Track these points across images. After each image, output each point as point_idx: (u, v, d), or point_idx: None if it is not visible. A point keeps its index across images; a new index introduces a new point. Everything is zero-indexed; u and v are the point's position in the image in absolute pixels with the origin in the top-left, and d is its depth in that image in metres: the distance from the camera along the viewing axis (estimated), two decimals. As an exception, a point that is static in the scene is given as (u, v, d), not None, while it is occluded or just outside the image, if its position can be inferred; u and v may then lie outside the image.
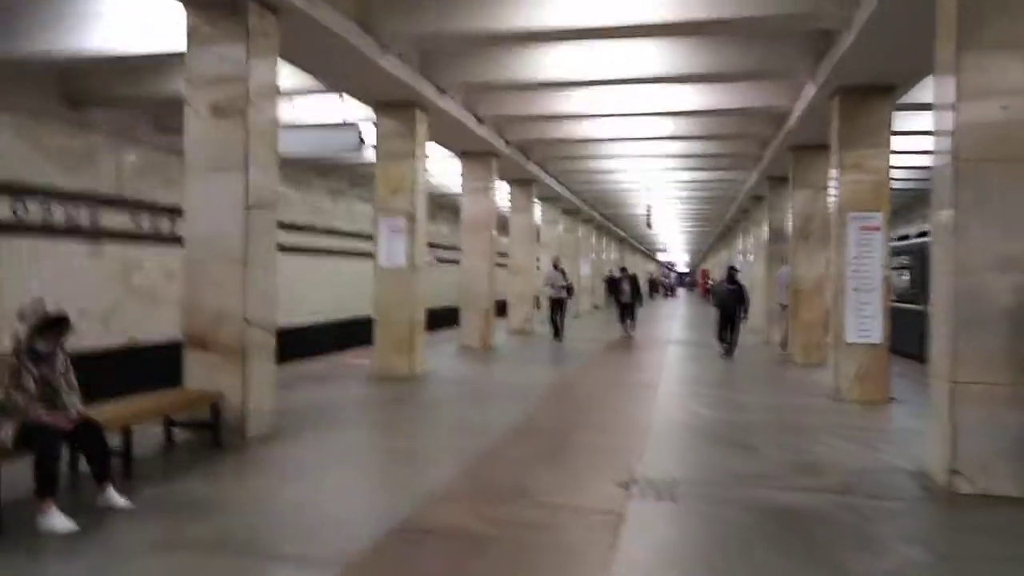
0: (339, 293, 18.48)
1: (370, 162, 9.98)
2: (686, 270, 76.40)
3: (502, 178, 16.70)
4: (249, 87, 6.04)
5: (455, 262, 15.57)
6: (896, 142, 9.06)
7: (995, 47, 4.74)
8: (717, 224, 32.10)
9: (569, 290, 15.62)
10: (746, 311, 13.15)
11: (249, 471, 5.29)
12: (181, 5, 6.14)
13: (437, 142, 12.94)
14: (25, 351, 4.06)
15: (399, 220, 9.78)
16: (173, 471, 5.13)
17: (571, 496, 4.65)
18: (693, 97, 10.46)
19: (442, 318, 19.01)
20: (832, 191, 8.93)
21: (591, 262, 27.15)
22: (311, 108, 11.30)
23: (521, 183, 17.36)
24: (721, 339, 13.19)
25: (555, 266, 15.95)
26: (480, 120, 11.79)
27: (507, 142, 13.61)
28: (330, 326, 17.92)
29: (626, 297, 16.52)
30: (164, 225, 12.50)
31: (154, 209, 12.35)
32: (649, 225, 22.84)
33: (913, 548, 3.93)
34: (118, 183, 11.73)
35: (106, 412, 4.87)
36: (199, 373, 6.08)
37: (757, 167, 15.52)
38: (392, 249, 9.80)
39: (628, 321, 16.50)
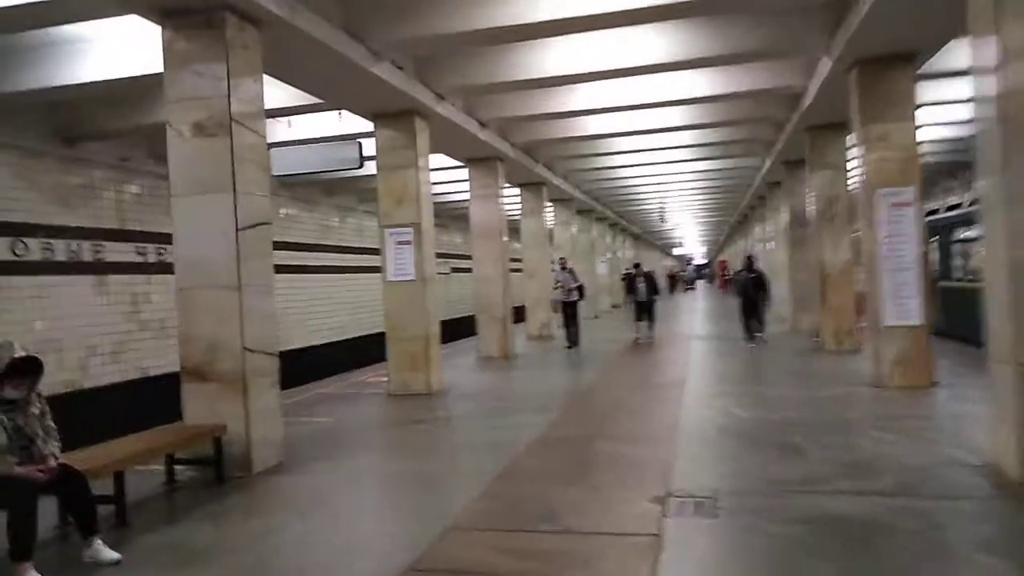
0: (355, 310, 18.22)
1: (374, 176, 9.68)
2: (703, 262, 75.53)
3: (510, 182, 16.35)
4: (232, 104, 5.72)
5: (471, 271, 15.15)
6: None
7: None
8: (732, 213, 31.49)
9: (581, 291, 14.35)
10: (768, 297, 13.43)
11: (254, 508, 4.94)
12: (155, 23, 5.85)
13: (441, 151, 12.65)
14: (-8, 399, 3.74)
15: (405, 232, 9.45)
16: (172, 514, 4.80)
17: (602, 518, 4.25)
18: (701, 83, 10.02)
19: (464, 328, 18.70)
20: (857, 169, 8.45)
21: (607, 261, 26.69)
22: (309, 126, 11.04)
23: (530, 186, 16.98)
24: (747, 328, 13.42)
25: (563, 267, 14.72)
26: (483, 124, 11.44)
27: (512, 145, 13.25)
28: (348, 344, 17.65)
29: (642, 295, 15.17)
30: (170, 254, 12.26)
31: (159, 238, 12.13)
32: (663, 219, 22.31)
33: (996, 558, 3.47)
34: (119, 215, 11.51)
35: (96, 456, 4.54)
36: (199, 406, 5.75)
37: (772, 151, 15.02)
38: (399, 262, 9.46)
39: (646, 321, 15.13)
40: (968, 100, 8.04)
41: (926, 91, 10.85)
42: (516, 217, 17.58)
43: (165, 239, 13.02)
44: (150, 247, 11.88)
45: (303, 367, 15.19)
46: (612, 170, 17.73)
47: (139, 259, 11.67)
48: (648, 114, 11.93)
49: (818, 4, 7.68)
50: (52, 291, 10.24)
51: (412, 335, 9.38)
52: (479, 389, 9.73)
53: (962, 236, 12.17)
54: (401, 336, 9.43)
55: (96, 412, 10.32)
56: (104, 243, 11.16)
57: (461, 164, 13.68)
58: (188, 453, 5.56)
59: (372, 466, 5.86)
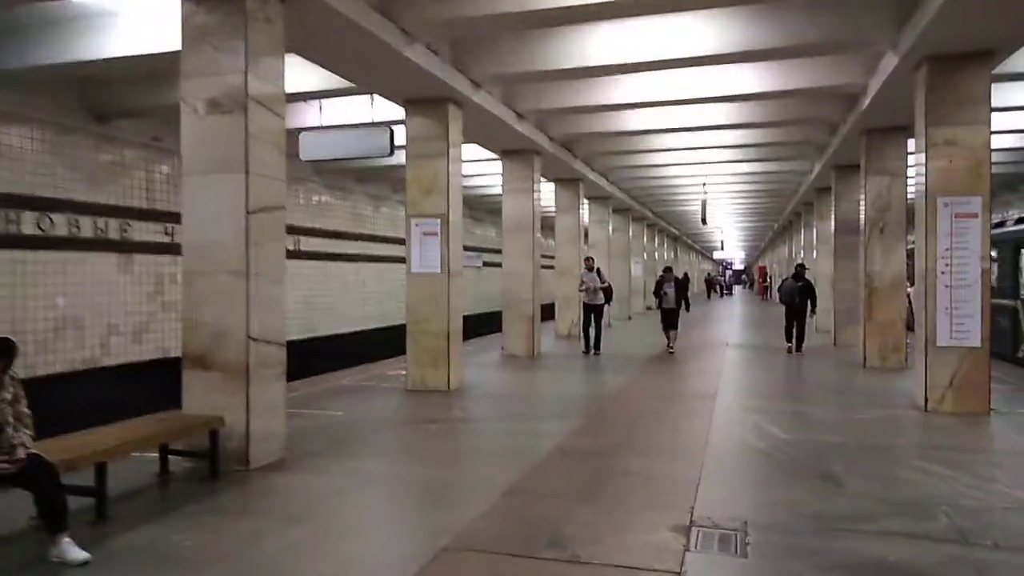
0: (383, 299, 18.03)
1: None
2: (741, 267, 74.02)
3: (546, 177, 15.93)
4: (249, 81, 5.42)
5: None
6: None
7: None
8: (776, 219, 30.56)
9: (608, 293, 13.03)
10: (814, 307, 13.39)
11: (244, 509, 4.64)
12: (174, -8, 5.58)
13: (475, 142, 12.31)
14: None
15: (432, 223, 9.10)
16: (157, 510, 4.51)
17: (616, 547, 3.83)
18: (752, 78, 9.46)
19: (491, 323, 18.35)
20: (918, 175, 7.83)
21: (642, 262, 26.06)
22: (341, 111, 10.77)
23: (566, 182, 16.52)
24: (788, 337, 13.48)
25: (589, 267, 13.10)
26: (520, 116, 11.04)
27: (550, 139, 12.82)
28: (373, 333, 17.48)
29: (669, 302, 13.36)
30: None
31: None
32: (704, 220, 21.60)
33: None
34: (148, 195, 11.41)
35: (75, 446, 4.26)
36: (198, 396, 5.49)
37: (823, 155, 14.31)
38: (425, 254, 9.12)
39: (672, 332, 13.41)
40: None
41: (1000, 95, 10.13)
42: (551, 213, 17.15)
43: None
44: (178, 228, 11.77)
45: (330, 355, 15.06)
46: (652, 168, 17.17)
47: (166, 240, 11.55)
48: (693, 110, 11.39)
49: (884, -5, 7.11)
50: (76, 268, 10.17)
51: (433, 330, 9.04)
52: (500, 389, 9.35)
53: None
54: (422, 330, 9.10)
55: (115, 391, 10.25)
56: (131, 222, 11.07)
57: (496, 156, 13.31)
58: (185, 444, 5.30)
59: (376, 469, 5.52)
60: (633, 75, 9.68)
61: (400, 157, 9.71)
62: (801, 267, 14.30)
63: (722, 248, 47.53)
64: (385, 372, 10.60)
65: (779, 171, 17.48)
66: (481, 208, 24.41)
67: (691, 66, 8.70)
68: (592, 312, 12.91)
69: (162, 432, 4.98)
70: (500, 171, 13.41)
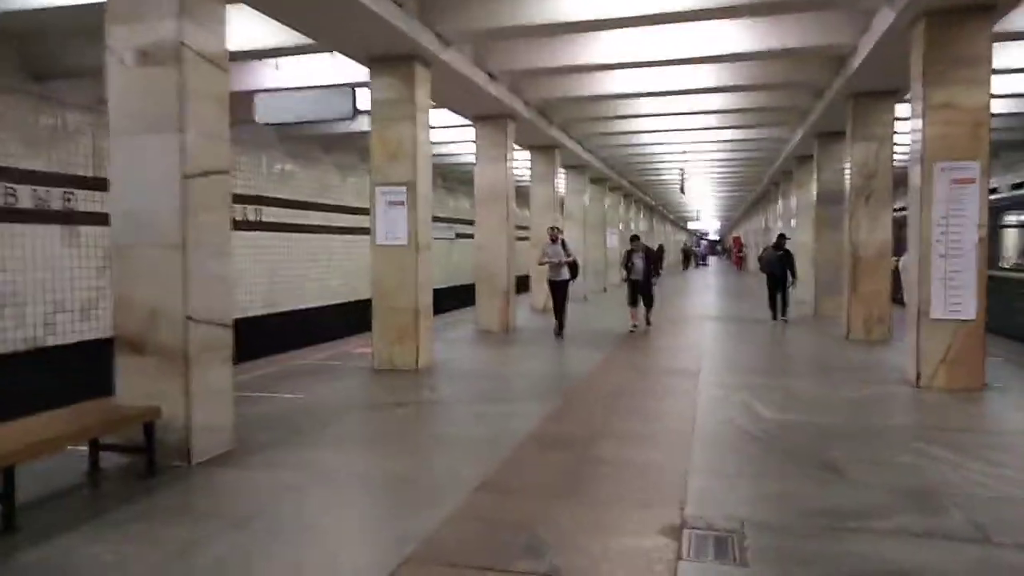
0: (351, 273, 17.39)
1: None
2: (716, 238, 74.20)
3: (521, 144, 15.32)
4: (184, 26, 4.76)
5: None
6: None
7: None
8: (753, 188, 30.26)
9: (573, 268, 11.44)
10: (794, 276, 13.46)
11: (180, 511, 4.11)
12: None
13: (447, 106, 11.66)
14: None
15: (399, 191, 8.51)
16: (79, 517, 3.95)
17: (600, 555, 3.38)
18: (737, 37, 8.92)
19: (464, 297, 17.86)
20: (914, 139, 7.40)
21: (619, 233, 25.63)
22: (301, 71, 10.02)
23: (542, 149, 15.93)
24: (772, 306, 13.59)
25: (553, 238, 11.55)
26: (493, 77, 10.40)
27: (525, 103, 12.20)
28: (341, 308, 16.87)
29: (637, 274, 12.15)
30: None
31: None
32: (682, 190, 21.21)
33: None
34: (96, 162, 10.62)
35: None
36: (134, 383, 4.91)
37: (805, 122, 13.87)
38: (391, 224, 8.54)
39: (641, 306, 12.27)
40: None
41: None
42: (526, 183, 16.57)
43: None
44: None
45: (296, 331, 14.45)
46: (631, 135, 16.61)
47: (115, 209, 10.79)
48: (674, 73, 10.85)
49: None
50: (14, 241, 9.42)
51: (401, 305, 8.50)
52: (472, 368, 8.85)
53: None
54: (388, 306, 8.55)
55: (61, 373, 9.59)
56: (76, 191, 10.30)
57: (470, 123, 12.67)
58: (120, 437, 4.74)
59: (334, 461, 5.01)
60: (611, 32, 9.13)
61: (368, 124, 9.05)
62: (782, 237, 14.21)
63: (698, 218, 47.37)
64: (351, 350, 10.06)
65: (759, 138, 17.05)
66: (454, 178, 23.71)
67: (672, 22, 8.14)
68: (555, 289, 11.55)
69: (87, 426, 4.40)
70: (474, 139, 12.77)
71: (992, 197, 12.35)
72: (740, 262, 42.09)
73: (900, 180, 11.30)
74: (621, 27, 8.40)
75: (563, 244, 11.52)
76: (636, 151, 19.23)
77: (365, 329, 10.69)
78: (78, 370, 9.58)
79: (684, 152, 18.66)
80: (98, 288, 10.60)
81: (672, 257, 47.45)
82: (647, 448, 5.20)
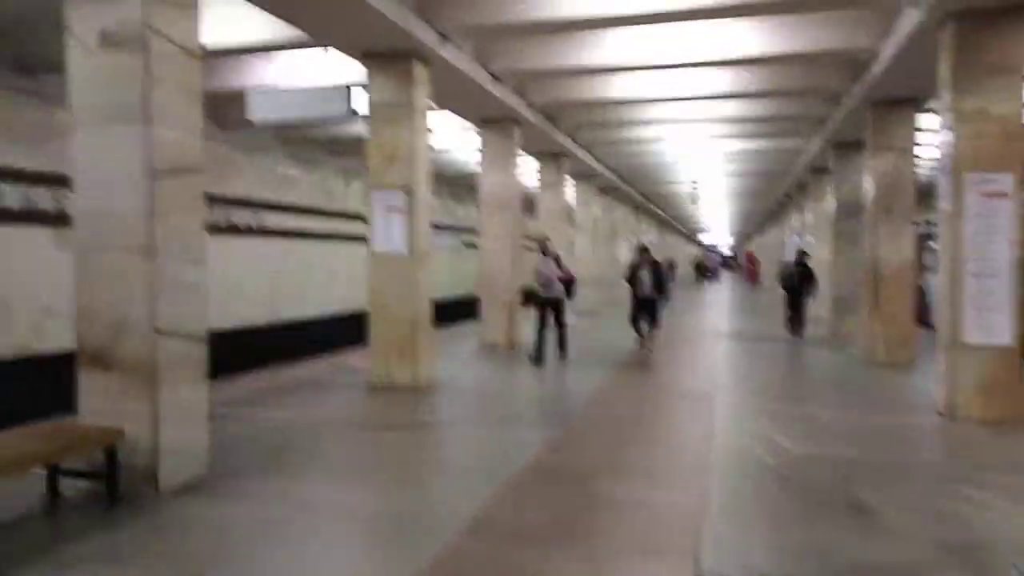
0: (355, 281, 16.98)
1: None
2: (728, 253, 73.57)
3: (527, 151, 14.91)
4: (150, 6, 4.34)
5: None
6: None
7: None
8: (767, 202, 29.72)
9: (569, 287, 9.90)
10: (813, 293, 13.32)
11: (140, 552, 3.65)
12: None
13: (449, 108, 11.25)
14: None
15: (396, 196, 8.08)
16: (24, 557, 3.51)
17: (603, 618, 2.91)
18: (752, 39, 8.48)
19: (470, 309, 17.44)
20: (942, 149, 6.92)
21: (630, 244, 25.16)
22: (294, 68, 9.64)
23: (549, 156, 15.51)
24: (789, 321, 13.49)
25: (544, 251, 9.95)
26: (496, 78, 9.98)
27: (530, 106, 11.77)
28: (345, 318, 16.47)
29: (646, 290, 10.90)
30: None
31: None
32: (694, 201, 20.70)
33: None
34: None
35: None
36: (97, 401, 4.48)
37: (821, 131, 13.39)
38: (389, 231, 8.10)
39: (646, 326, 11.01)
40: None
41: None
42: (533, 191, 16.16)
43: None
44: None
45: (297, 342, 14.04)
46: (641, 144, 16.17)
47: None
48: (687, 76, 10.42)
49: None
50: (1, 243, 9.06)
51: (399, 317, 8.05)
52: (473, 386, 8.38)
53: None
54: (386, 318, 8.10)
55: (52, 381, 9.19)
56: (69, 192, 9.91)
57: (476, 128, 12.26)
58: (81, 460, 4.30)
59: (316, 493, 4.55)
60: (619, 31, 8.70)
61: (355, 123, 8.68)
62: (802, 253, 14.06)
63: (710, 231, 46.82)
64: (350, 363, 9.61)
65: (773, 149, 16.56)
66: (461, 185, 23.30)
67: (684, 20, 7.73)
68: (547, 307, 9.83)
69: (41, 451, 3.97)
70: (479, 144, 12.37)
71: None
72: (753, 277, 41.47)
73: (922, 194, 10.83)
74: (630, 24, 7.94)
75: (556, 259, 9.92)
76: (646, 160, 18.79)
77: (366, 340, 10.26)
78: (71, 377, 9.18)
79: (694, 162, 18.20)
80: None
81: (683, 271, 46.97)
82: (658, 485, 4.72)
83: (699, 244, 62.43)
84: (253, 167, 14.26)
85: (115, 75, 4.37)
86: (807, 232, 18.60)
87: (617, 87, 10.85)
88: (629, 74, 10.45)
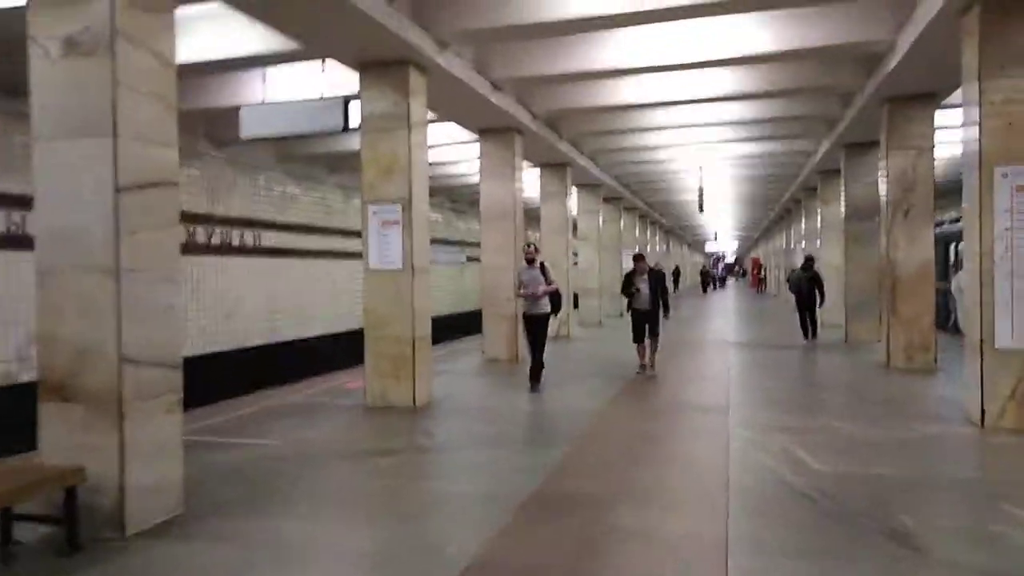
0: (356, 299, 16.64)
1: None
2: (732, 260, 73.07)
3: (531, 162, 14.60)
4: (117, 9, 4.03)
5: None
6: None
7: None
8: (773, 206, 29.30)
9: (555, 300, 8.72)
10: (823, 297, 13.32)
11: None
12: None
13: (449, 118, 10.97)
14: None
15: (392, 210, 7.74)
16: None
17: None
18: (760, 35, 8.15)
19: (475, 323, 17.08)
20: (968, 141, 6.54)
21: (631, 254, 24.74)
22: (290, 83, 9.37)
23: (553, 167, 15.18)
24: (803, 326, 13.44)
25: (529, 259, 8.71)
26: (496, 86, 9.67)
27: (533, 115, 11.46)
28: (347, 337, 16.11)
29: (642, 302, 9.57)
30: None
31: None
32: (701, 208, 20.32)
33: None
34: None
35: None
36: (58, 436, 4.11)
37: (832, 132, 13.01)
38: (384, 247, 7.76)
39: (648, 343, 9.66)
40: None
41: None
42: (537, 204, 15.81)
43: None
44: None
45: (297, 361, 13.69)
46: (645, 151, 15.83)
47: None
48: (692, 77, 10.09)
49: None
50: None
51: (395, 335, 7.69)
52: (474, 404, 7.98)
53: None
54: (382, 336, 7.75)
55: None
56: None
57: (477, 139, 11.94)
58: (39, 502, 3.93)
59: (300, 531, 4.16)
60: (622, 33, 8.40)
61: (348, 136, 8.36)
62: (810, 258, 14.01)
63: (715, 239, 46.41)
64: (346, 384, 9.23)
65: (781, 152, 16.19)
66: (464, 199, 23.01)
67: (689, 17, 7.38)
68: (532, 326, 8.68)
69: (5, 488, 3.60)
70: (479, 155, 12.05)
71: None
72: (759, 284, 40.98)
73: (940, 193, 10.43)
74: (633, 23, 7.61)
75: (543, 268, 8.68)
76: (651, 168, 18.45)
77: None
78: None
79: (701, 168, 17.84)
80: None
81: (689, 280, 46.50)
82: (673, 512, 4.31)
83: (704, 253, 61.93)
84: (250, 185, 13.98)
85: (80, 84, 4.04)
86: (816, 236, 18.18)
87: (621, 92, 10.53)
88: (633, 77, 10.11)
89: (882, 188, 10.34)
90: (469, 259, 23.86)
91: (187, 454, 4.76)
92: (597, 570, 3.46)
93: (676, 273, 39.32)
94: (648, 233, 30.40)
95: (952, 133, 12.40)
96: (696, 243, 55.30)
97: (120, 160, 4.03)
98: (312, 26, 6.72)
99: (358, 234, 15.72)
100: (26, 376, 9.23)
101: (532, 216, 18.24)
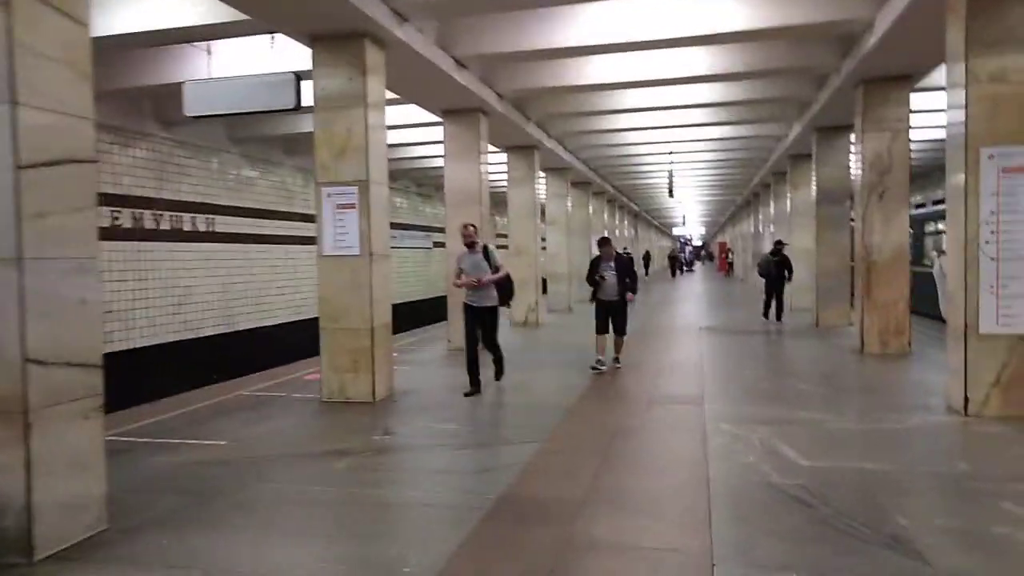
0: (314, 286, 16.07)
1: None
2: (699, 244, 73.57)
3: (498, 145, 14.15)
4: (15, -43, 3.49)
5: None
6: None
7: None
8: (740, 191, 29.25)
9: (504, 289, 7.73)
10: (791, 274, 13.95)
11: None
12: None
13: (411, 99, 10.47)
14: None
15: (348, 192, 7.25)
16: None
17: None
18: (734, 12, 7.80)
19: (443, 311, 16.64)
20: (952, 121, 6.26)
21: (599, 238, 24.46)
22: (239, 59, 8.78)
23: (520, 150, 14.74)
24: (767, 307, 14.05)
25: (469, 243, 7.64)
26: (460, 64, 9.19)
27: (499, 96, 10.99)
28: (307, 325, 15.54)
29: (608, 292, 8.75)
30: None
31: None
32: (671, 193, 20.08)
33: None
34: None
35: None
36: (-43, 450, 3.61)
37: (804, 115, 12.78)
38: (340, 232, 7.27)
39: (608, 338, 8.94)
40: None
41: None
42: (504, 188, 15.37)
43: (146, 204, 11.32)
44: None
45: (254, 352, 13.11)
46: (614, 133, 15.45)
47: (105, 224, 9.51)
48: (662, 56, 9.71)
49: None
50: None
51: (353, 326, 7.24)
52: (438, 397, 7.54)
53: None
54: (339, 327, 7.28)
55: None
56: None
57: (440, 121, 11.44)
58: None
59: (237, 550, 3.72)
60: (592, 7, 8.00)
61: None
62: (779, 243, 14.52)
63: (684, 223, 46.47)
64: (304, 376, 8.75)
65: (751, 135, 15.94)
66: (430, 183, 22.43)
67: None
68: (475, 319, 7.65)
69: None
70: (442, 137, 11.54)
71: None
72: (728, 267, 41.17)
73: (915, 176, 10.26)
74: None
75: (486, 252, 7.57)
76: (620, 151, 18.09)
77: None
78: None
79: (671, 152, 17.55)
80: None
81: (658, 264, 46.54)
82: (652, 519, 3.95)
83: (673, 237, 62.10)
84: (204, 168, 13.29)
85: (-32, 43, 3.50)
86: (785, 221, 18.05)
87: (589, 71, 10.11)
88: (603, 57, 9.72)
89: (856, 171, 10.12)
90: (436, 244, 23.35)
91: (124, 458, 4.27)
92: (569, 592, 3.09)
93: (647, 258, 39.30)
94: (617, 217, 30.15)
95: (925, 117, 12.29)
96: (664, 227, 55.36)
97: (21, 132, 3.51)
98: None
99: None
100: None
101: (499, 200, 17.77)
